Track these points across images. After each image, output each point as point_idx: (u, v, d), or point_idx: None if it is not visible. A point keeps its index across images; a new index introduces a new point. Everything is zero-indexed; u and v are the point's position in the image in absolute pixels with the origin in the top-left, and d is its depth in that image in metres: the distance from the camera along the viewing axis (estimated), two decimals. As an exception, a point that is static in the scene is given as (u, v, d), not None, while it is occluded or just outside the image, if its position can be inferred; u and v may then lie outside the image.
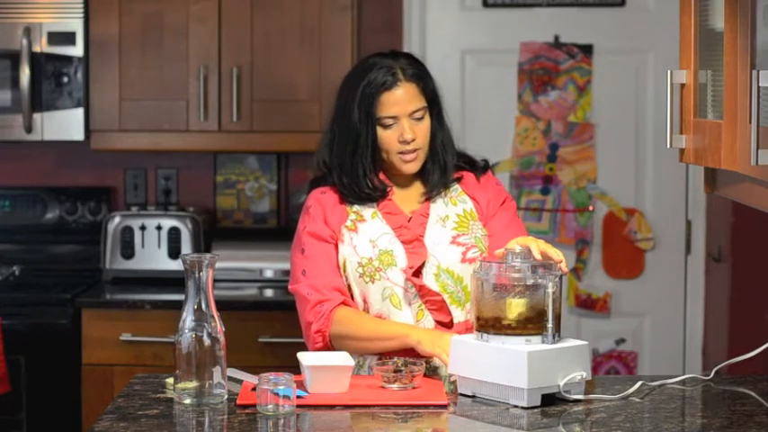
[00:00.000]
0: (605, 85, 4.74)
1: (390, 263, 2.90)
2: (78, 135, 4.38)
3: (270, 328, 4.11)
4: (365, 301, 2.92)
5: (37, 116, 4.34)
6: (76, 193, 4.70)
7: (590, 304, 4.78)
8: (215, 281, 2.71)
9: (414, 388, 2.72)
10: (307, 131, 4.36)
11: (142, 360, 4.11)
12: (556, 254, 2.69)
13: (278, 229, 4.72)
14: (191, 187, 4.76)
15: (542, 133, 4.75)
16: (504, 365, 2.60)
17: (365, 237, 2.92)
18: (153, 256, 4.44)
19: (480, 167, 3.05)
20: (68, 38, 4.34)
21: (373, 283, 2.90)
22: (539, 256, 2.68)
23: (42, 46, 4.33)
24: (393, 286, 2.90)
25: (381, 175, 2.96)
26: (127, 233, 4.43)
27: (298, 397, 2.58)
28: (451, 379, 2.79)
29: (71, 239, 4.68)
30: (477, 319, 2.69)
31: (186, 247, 4.42)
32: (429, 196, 2.98)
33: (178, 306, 2.69)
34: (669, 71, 2.59)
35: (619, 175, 4.76)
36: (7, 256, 4.64)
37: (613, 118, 4.74)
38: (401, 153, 2.92)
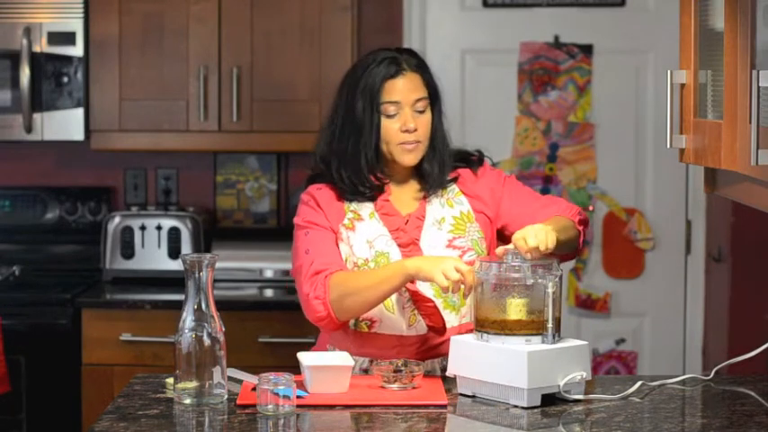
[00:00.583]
0: (605, 85, 4.74)
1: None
2: (78, 135, 4.38)
3: (270, 328, 4.11)
4: None
5: (37, 116, 4.34)
6: (76, 193, 4.69)
7: (590, 304, 4.78)
8: (215, 281, 2.71)
9: (414, 388, 2.72)
10: (307, 131, 4.35)
11: (142, 360, 4.11)
12: (541, 242, 2.67)
13: (278, 229, 4.72)
14: (191, 187, 4.76)
15: (542, 133, 4.75)
16: (504, 365, 2.61)
17: (362, 237, 2.91)
18: (153, 256, 4.44)
19: (476, 162, 3.05)
20: (68, 38, 4.34)
21: None
22: (528, 256, 2.67)
23: (42, 46, 4.33)
24: None
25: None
26: (127, 233, 4.43)
27: (298, 397, 2.58)
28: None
29: (71, 239, 4.68)
30: (477, 319, 2.69)
31: (186, 247, 4.42)
32: (427, 194, 2.98)
33: (178, 306, 2.69)
34: (669, 71, 2.59)
35: (619, 175, 4.76)
36: (7, 256, 4.64)
37: (613, 118, 4.74)
38: (402, 143, 2.91)
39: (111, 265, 4.44)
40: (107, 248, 4.44)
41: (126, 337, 4.12)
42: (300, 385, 2.67)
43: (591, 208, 4.75)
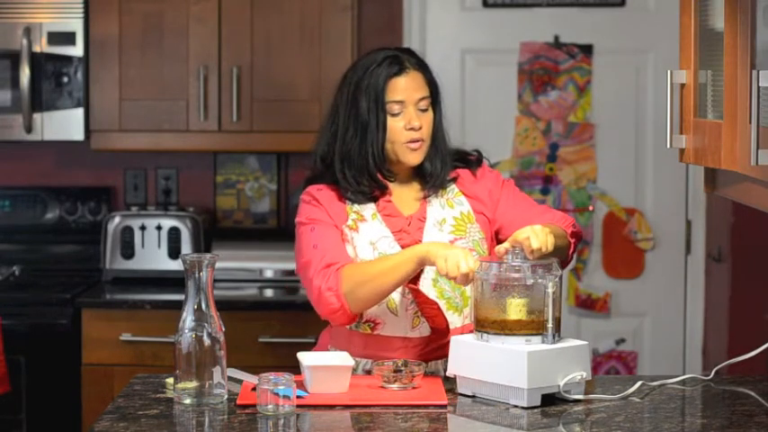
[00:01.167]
0: (605, 85, 4.74)
1: None
2: (78, 135, 4.38)
3: (270, 328, 4.11)
4: None
5: (37, 116, 4.34)
6: (76, 193, 4.69)
7: (590, 304, 4.78)
8: (215, 281, 2.71)
9: (414, 388, 2.72)
10: (307, 131, 4.34)
11: (142, 360, 4.11)
12: (542, 243, 2.68)
13: (278, 229, 4.72)
14: (191, 187, 4.76)
15: (542, 133, 4.75)
16: (504, 365, 2.61)
17: (365, 238, 2.91)
18: (153, 256, 4.44)
19: (474, 162, 3.05)
20: (68, 38, 4.34)
21: None
22: (530, 256, 2.67)
23: (42, 46, 4.33)
24: None
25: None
26: (127, 233, 4.43)
27: (298, 397, 2.58)
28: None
29: (71, 239, 4.68)
30: (477, 319, 2.69)
31: (186, 247, 4.42)
32: (429, 193, 2.97)
33: (178, 306, 2.69)
34: (669, 71, 2.59)
35: (619, 175, 4.76)
36: (7, 256, 4.64)
37: (613, 118, 4.74)
38: (408, 142, 2.91)
39: (111, 265, 4.44)
40: (107, 248, 4.44)
41: (126, 337, 4.12)
42: (300, 385, 2.67)
43: (591, 208, 4.75)
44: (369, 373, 2.88)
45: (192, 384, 2.62)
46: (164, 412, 2.59)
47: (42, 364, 4.10)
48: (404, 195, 2.99)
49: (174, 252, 4.41)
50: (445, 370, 2.84)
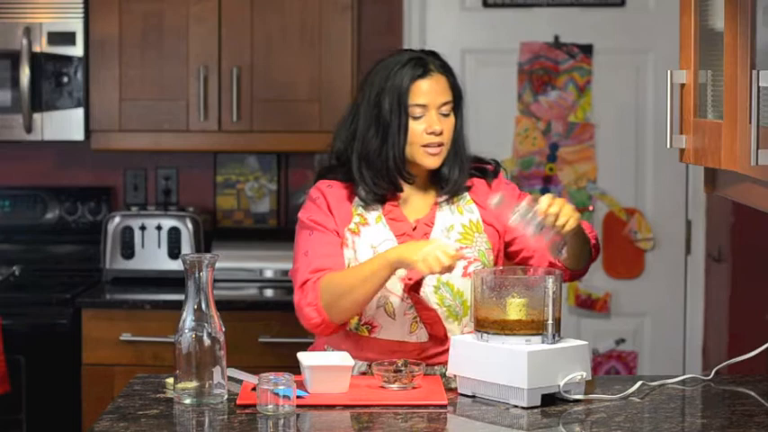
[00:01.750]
0: (605, 85, 4.74)
1: None
2: (78, 135, 4.38)
3: (270, 328, 4.11)
4: None
5: (37, 116, 4.34)
6: (76, 193, 4.70)
7: (590, 304, 4.78)
8: (215, 281, 2.71)
9: (414, 388, 2.72)
10: (307, 131, 4.36)
11: (142, 360, 4.11)
12: (563, 214, 2.70)
13: (278, 229, 4.72)
14: (191, 187, 4.77)
15: (542, 133, 4.75)
16: (504, 365, 2.61)
17: (367, 241, 2.89)
18: (153, 256, 4.44)
19: (491, 173, 3.02)
20: (68, 38, 4.34)
21: None
22: (540, 218, 2.68)
23: (42, 46, 4.33)
24: (389, 295, 2.86)
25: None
26: (127, 233, 4.43)
27: (298, 397, 2.58)
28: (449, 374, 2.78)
29: (71, 239, 4.68)
30: (477, 319, 2.69)
31: (186, 247, 4.42)
32: (443, 198, 2.93)
33: (178, 306, 2.69)
34: (669, 71, 2.59)
35: (619, 175, 4.76)
36: (7, 256, 4.64)
37: (613, 118, 4.74)
38: (426, 146, 2.89)
39: (111, 265, 4.44)
40: (107, 248, 4.44)
41: (126, 337, 4.12)
42: (300, 385, 2.67)
43: (591, 208, 4.75)
44: (364, 374, 2.87)
45: (192, 384, 2.62)
46: (164, 412, 2.59)
47: (42, 364, 4.10)
48: (416, 200, 2.96)
49: (174, 252, 4.41)
50: (442, 376, 2.84)
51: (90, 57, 4.37)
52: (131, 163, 4.74)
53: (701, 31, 2.54)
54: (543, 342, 2.63)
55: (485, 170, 3.02)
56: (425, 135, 2.88)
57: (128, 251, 4.43)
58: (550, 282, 2.63)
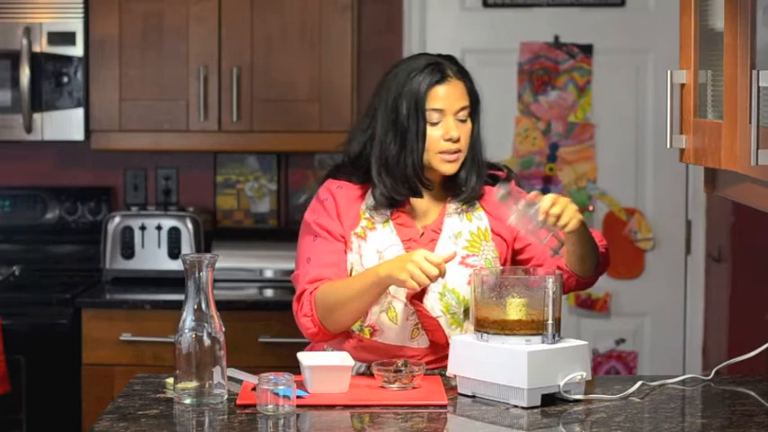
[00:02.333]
0: (605, 85, 4.74)
1: None
2: (78, 135, 4.38)
3: (270, 328, 4.11)
4: None
5: (37, 116, 4.35)
6: (76, 193, 4.70)
7: (590, 304, 4.78)
8: (215, 281, 2.71)
9: (414, 388, 2.72)
10: (307, 131, 4.36)
11: (142, 360, 4.11)
12: (565, 214, 2.69)
13: (278, 229, 4.72)
14: (191, 187, 4.77)
15: (542, 133, 4.75)
16: (504, 365, 2.60)
17: (373, 246, 2.88)
18: (153, 256, 4.44)
19: (503, 181, 2.97)
20: (68, 38, 4.34)
21: None
22: (541, 217, 2.67)
23: (42, 46, 4.33)
24: (393, 300, 2.85)
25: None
26: (127, 233, 4.43)
27: (298, 397, 2.58)
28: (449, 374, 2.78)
29: (71, 239, 4.68)
30: (477, 319, 2.68)
31: (186, 247, 4.42)
32: (457, 206, 2.92)
33: (178, 306, 2.69)
34: (669, 71, 2.59)
35: (619, 175, 4.76)
36: (7, 256, 4.64)
37: (613, 118, 4.74)
38: (442, 152, 2.86)
39: (111, 265, 4.44)
40: (107, 248, 4.44)
41: (126, 337, 4.12)
42: (300, 385, 2.67)
43: (591, 208, 4.75)
44: (362, 375, 2.87)
45: (192, 384, 2.62)
46: (164, 412, 2.59)
47: (42, 364, 4.10)
48: (425, 206, 2.94)
49: (174, 252, 4.41)
50: (441, 375, 2.84)
51: (90, 57, 4.37)
52: (131, 163, 4.75)
53: (701, 31, 2.54)
54: (543, 342, 2.63)
55: (496, 177, 3.00)
56: (443, 142, 2.86)
57: (128, 251, 4.43)
58: (550, 282, 2.63)
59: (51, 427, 4.12)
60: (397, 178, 2.87)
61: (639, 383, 2.76)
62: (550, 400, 2.62)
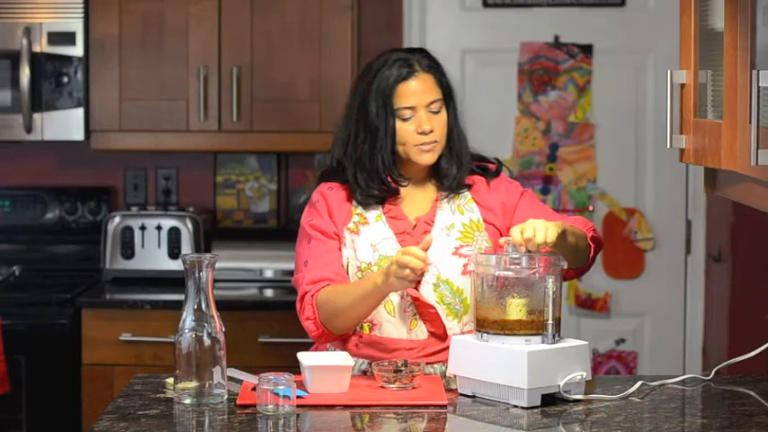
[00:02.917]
0: (605, 85, 4.74)
1: None
2: (78, 135, 4.38)
3: (270, 328, 4.11)
4: None
5: (37, 116, 4.34)
6: (76, 193, 4.70)
7: (590, 304, 4.78)
8: (215, 281, 2.71)
9: (414, 388, 2.72)
10: (307, 131, 4.36)
11: (142, 360, 4.11)
12: (538, 234, 2.66)
13: (278, 229, 4.72)
14: (191, 187, 4.77)
15: (542, 133, 4.75)
16: (504, 365, 2.61)
17: (366, 240, 2.90)
18: (153, 256, 4.44)
19: (492, 172, 3.02)
20: (68, 38, 4.34)
21: None
22: (522, 249, 2.66)
23: (42, 46, 4.33)
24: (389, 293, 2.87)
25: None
26: (127, 233, 4.43)
27: (298, 397, 2.58)
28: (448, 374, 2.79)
29: (71, 239, 4.68)
30: (477, 318, 2.69)
31: (186, 247, 4.42)
32: (441, 196, 2.95)
33: (178, 306, 2.69)
34: (669, 71, 2.59)
35: (619, 175, 4.76)
36: (7, 256, 4.64)
37: (613, 118, 4.74)
38: (419, 145, 2.89)
39: (111, 265, 4.44)
40: (107, 248, 4.44)
41: (126, 337, 4.12)
42: (300, 385, 2.67)
43: (591, 208, 4.75)
44: (365, 374, 2.88)
45: (192, 384, 2.62)
46: (164, 412, 2.59)
47: (42, 364, 4.10)
48: (416, 197, 2.97)
49: (174, 252, 4.41)
50: (442, 375, 2.84)
51: (90, 57, 4.37)
52: (131, 163, 4.75)
53: (701, 31, 2.54)
54: (543, 342, 2.63)
55: (486, 169, 3.02)
56: (416, 135, 2.89)
57: (128, 251, 4.43)
58: (550, 282, 2.63)
59: (51, 427, 4.12)
60: (371, 177, 2.91)
61: (639, 383, 2.76)
62: (550, 400, 2.62)
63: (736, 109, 2.26)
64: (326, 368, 2.71)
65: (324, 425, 2.54)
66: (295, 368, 2.75)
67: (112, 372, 4.11)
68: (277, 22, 4.38)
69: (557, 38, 4.74)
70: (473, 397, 2.69)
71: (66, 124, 4.36)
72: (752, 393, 2.76)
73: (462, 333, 2.88)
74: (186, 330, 2.63)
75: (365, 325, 2.90)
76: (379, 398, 2.66)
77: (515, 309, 2.63)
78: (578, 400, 2.64)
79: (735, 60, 2.27)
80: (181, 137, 4.42)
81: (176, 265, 4.33)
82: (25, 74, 4.28)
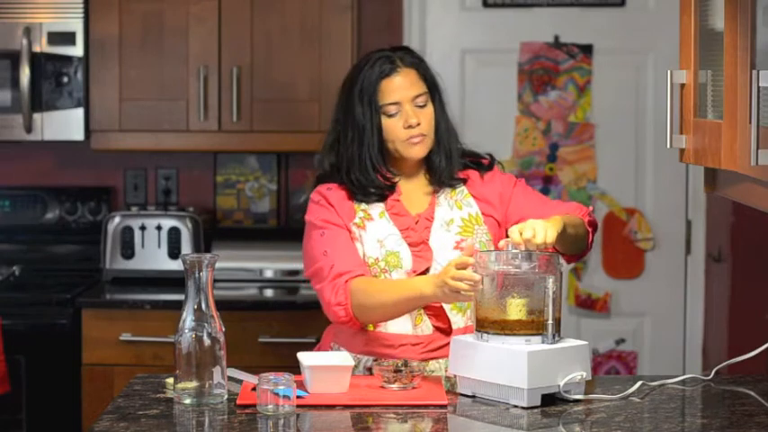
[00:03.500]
0: (605, 85, 4.74)
1: (396, 264, 2.90)
2: (78, 135, 4.38)
3: (270, 328, 4.10)
4: None
5: (37, 116, 4.34)
6: (76, 193, 4.69)
7: (590, 304, 4.78)
8: (215, 281, 2.71)
9: (414, 388, 2.72)
10: (307, 131, 4.36)
11: (142, 360, 4.11)
12: (537, 234, 2.67)
13: (278, 229, 4.72)
14: (191, 187, 4.76)
15: (542, 133, 4.75)
16: (504, 365, 2.61)
17: (373, 236, 2.92)
18: (153, 256, 4.44)
19: (485, 167, 3.05)
20: (68, 38, 4.34)
21: None
22: (521, 248, 2.67)
23: (42, 46, 4.33)
24: None
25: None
26: (127, 233, 4.43)
27: (298, 397, 2.58)
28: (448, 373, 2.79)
29: (71, 239, 4.68)
30: (477, 318, 2.69)
31: (186, 247, 4.42)
32: (437, 189, 2.97)
33: (178, 306, 2.69)
34: (669, 71, 2.59)
35: (619, 175, 4.76)
36: (7, 256, 4.63)
37: (613, 118, 4.74)
38: (407, 139, 2.91)
39: (111, 265, 4.44)
40: (107, 248, 4.44)
41: (126, 337, 4.12)
42: (300, 385, 2.67)
43: (591, 208, 4.74)
44: (370, 370, 2.89)
45: (192, 384, 2.62)
46: (164, 412, 2.59)
47: (42, 364, 4.10)
48: (413, 192, 2.99)
49: (174, 252, 4.41)
50: (446, 370, 2.85)
51: (90, 57, 4.37)
52: (131, 163, 4.74)
53: (701, 31, 2.54)
54: (543, 342, 2.63)
55: (480, 163, 3.05)
56: (404, 130, 2.91)
57: (128, 251, 4.43)
58: (550, 282, 2.63)
59: (51, 427, 4.12)
60: (363, 175, 2.93)
61: (639, 383, 2.76)
62: (550, 400, 2.62)
63: (736, 109, 2.26)
64: (326, 368, 2.71)
65: (324, 425, 2.54)
66: (295, 368, 2.75)
67: (112, 372, 4.11)
68: (277, 22, 4.38)
69: (557, 38, 4.74)
70: (473, 397, 2.69)
71: (66, 124, 4.36)
72: (752, 393, 2.76)
73: (466, 327, 2.91)
74: (186, 330, 2.63)
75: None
76: (379, 398, 2.66)
77: (515, 309, 2.63)
78: (578, 400, 2.64)
79: (735, 60, 2.27)
80: (181, 137, 4.42)
81: (176, 265, 4.33)
82: (25, 74, 4.28)
